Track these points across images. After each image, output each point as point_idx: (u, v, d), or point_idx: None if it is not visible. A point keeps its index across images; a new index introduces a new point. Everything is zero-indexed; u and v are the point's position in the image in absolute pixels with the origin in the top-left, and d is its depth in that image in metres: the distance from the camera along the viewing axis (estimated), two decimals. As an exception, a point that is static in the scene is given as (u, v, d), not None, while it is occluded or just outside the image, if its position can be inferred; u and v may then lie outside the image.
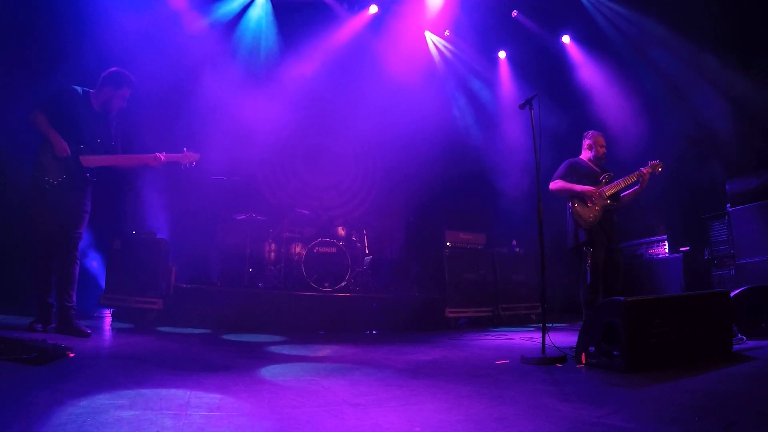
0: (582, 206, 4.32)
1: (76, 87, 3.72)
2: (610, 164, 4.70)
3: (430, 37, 8.08)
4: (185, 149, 3.91)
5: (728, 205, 5.59)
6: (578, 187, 4.32)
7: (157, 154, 3.78)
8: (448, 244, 6.31)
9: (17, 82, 4.85)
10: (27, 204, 3.62)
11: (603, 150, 4.54)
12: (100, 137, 3.72)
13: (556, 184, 4.43)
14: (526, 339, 4.59)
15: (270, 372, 2.81)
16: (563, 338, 4.03)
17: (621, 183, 4.35)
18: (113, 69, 3.78)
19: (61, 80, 3.95)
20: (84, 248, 5.47)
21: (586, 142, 4.61)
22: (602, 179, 4.40)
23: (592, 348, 3.01)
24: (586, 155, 4.59)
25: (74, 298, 3.65)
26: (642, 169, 4.32)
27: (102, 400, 1.96)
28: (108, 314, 5.02)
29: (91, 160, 3.64)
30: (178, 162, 3.89)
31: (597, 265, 4.18)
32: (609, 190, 4.33)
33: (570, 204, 4.38)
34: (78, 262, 3.74)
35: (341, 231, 6.57)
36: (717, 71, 6.12)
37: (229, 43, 6.81)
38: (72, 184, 3.61)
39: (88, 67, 4.16)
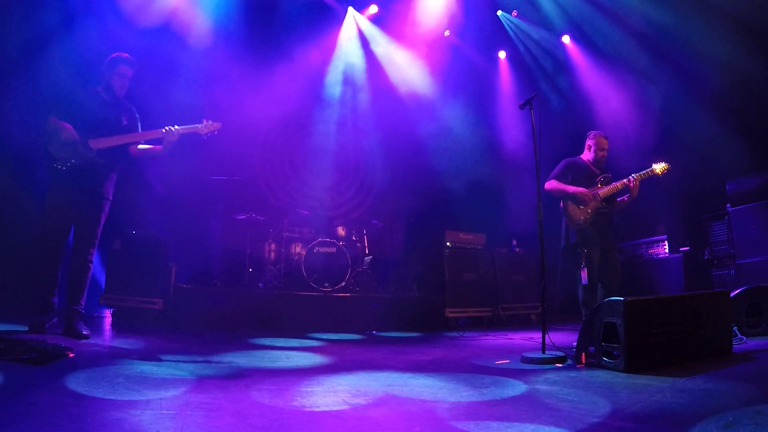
0: (574, 207, 4.29)
1: (91, 86, 3.77)
2: (609, 165, 4.67)
3: (430, 38, 8.07)
4: (204, 120, 3.87)
5: (728, 205, 5.59)
6: (571, 189, 4.28)
7: (169, 126, 3.71)
8: (448, 244, 6.31)
9: (22, 91, 4.87)
10: (43, 198, 3.60)
11: (603, 153, 4.46)
12: (110, 122, 3.70)
13: (550, 184, 4.40)
14: (526, 339, 4.59)
15: (270, 372, 2.81)
16: (563, 338, 4.04)
17: (618, 185, 4.29)
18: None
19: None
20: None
21: (587, 143, 4.56)
22: (598, 181, 4.36)
23: (592, 348, 3.02)
24: (586, 155, 4.54)
25: (83, 301, 3.65)
26: (631, 176, 4.22)
27: (102, 400, 1.96)
28: (108, 314, 5.02)
29: (100, 142, 3.60)
30: (197, 133, 3.84)
31: (592, 265, 4.15)
32: (604, 193, 4.28)
33: (562, 204, 4.36)
34: (91, 267, 3.70)
35: (341, 231, 6.58)
36: (718, 69, 6.12)
37: (229, 42, 6.80)
38: (84, 168, 3.57)
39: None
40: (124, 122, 3.78)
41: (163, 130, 3.71)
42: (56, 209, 3.56)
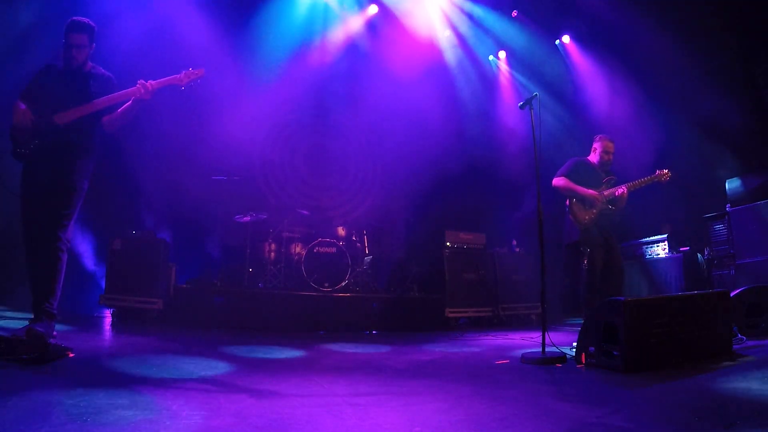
0: (580, 208, 4.32)
1: (53, 62, 3.36)
2: (615, 166, 4.67)
3: (431, 38, 8.07)
4: (184, 70, 3.43)
5: (728, 205, 5.59)
6: (581, 190, 4.30)
7: (142, 81, 3.26)
8: (448, 244, 6.31)
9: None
10: (20, 196, 3.20)
11: (608, 157, 4.48)
12: (70, 95, 3.24)
13: (559, 181, 4.40)
14: (526, 339, 4.59)
15: (270, 372, 2.81)
16: (563, 338, 4.04)
17: (614, 191, 4.32)
18: None
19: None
20: (76, 243, 5.36)
21: (593, 145, 4.59)
22: (604, 182, 4.39)
23: (592, 348, 3.01)
24: (592, 157, 4.57)
25: (53, 300, 3.04)
26: (620, 187, 4.26)
27: (102, 400, 1.96)
28: (108, 314, 5.02)
29: (65, 116, 3.18)
30: (177, 85, 3.41)
31: (594, 264, 4.17)
32: (609, 194, 4.32)
33: (568, 202, 4.38)
34: (63, 253, 3.12)
35: (341, 231, 6.57)
36: (719, 69, 6.13)
37: (229, 42, 6.80)
38: (49, 148, 3.16)
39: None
40: (92, 89, 3.29)
41: (138, 88, 3.25)
42: (31, 202, 3.15)
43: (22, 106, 3.15)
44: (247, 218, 6.29)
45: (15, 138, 3.15)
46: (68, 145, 3.23)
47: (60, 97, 3.22)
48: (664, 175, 4.26)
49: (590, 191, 4.30)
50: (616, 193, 4.25)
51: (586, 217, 4.28)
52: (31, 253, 3.15)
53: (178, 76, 3.43)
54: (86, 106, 3.23)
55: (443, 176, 7.72)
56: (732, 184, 5.62)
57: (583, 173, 4.41)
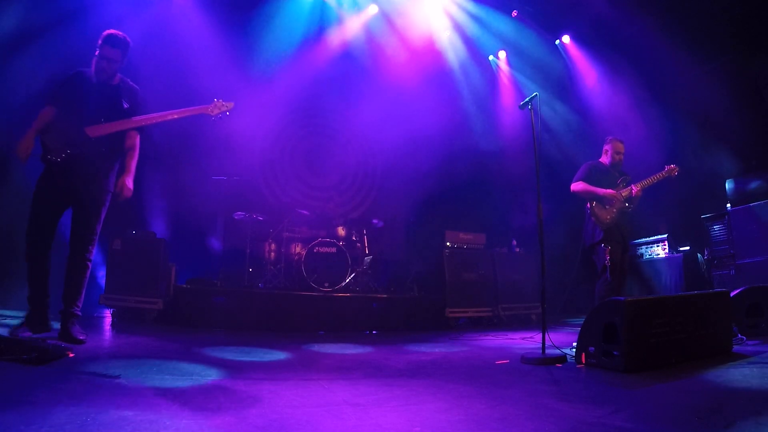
0: (600, 208, 4.45)
1: (83, 69, 3.45)
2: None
3: (430, 37, 8.07)
4: (215, 99, 3.60)
5: (728, 205, 5.59)
6: (600, 191, 4.44)
7: (172, 111, 3.45)
8: (448, 244, 6.31)
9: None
10: (34, 193, 3.29)
11: (619, 157, 4.63)
12: (102, 108, 3.35)
13: (578, 185, 4.54)
14: (526, 339, 4.59)
15: (270, 372, 2.81)
16: (563, 338, 4.04)
17: (630, 189, 4.45)
18: None
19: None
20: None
21: (604, 147, 4.72)
22: (619, 182, 4.51)
23: (592, 348, 3.02)
24: (604, 159, 4.70)
25: (80, 303, 3.33)
26: (634, 186, 4.40)
27: (102, 399, 1.96)
28: (108, 314, 5.02)
29: (97, 129, 3.28)
30: (207, 115, 3.57)
31: (615, 261, 4.28)
32: (626, 193, 4.44)
33: (589, 205, 4.48)
34: (89, 266, 3.35)
35: (341, 231, 6.57)
36: (719, 69, 6.13)
37: (229, 41, 6.80)
38: (80, 158, 3.25)
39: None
40: (125, 105, 3.42)
41: (165, 114, 3.40)
42: (44, 203, 3.24)
43: (51, 110, 3.25)
44: (246, 217, 6.29)
45: (46, 144, 3.25)
46: (99, 157, 3.33)
47: (92, 108, 3.29)
48: (673, 170, 4.43)
49: (609, 191, 4.44)
50: (633, 193, 4.39)
51: (608, 217, 4.41)
52: (33, 255, 3.22)
53: (208, 106, 3.58)
54: (122, 122, 3.35)
55: (443, 176, 7.72)
56: (732, 184, 5.62)
57: (598, 176, 4.56)
